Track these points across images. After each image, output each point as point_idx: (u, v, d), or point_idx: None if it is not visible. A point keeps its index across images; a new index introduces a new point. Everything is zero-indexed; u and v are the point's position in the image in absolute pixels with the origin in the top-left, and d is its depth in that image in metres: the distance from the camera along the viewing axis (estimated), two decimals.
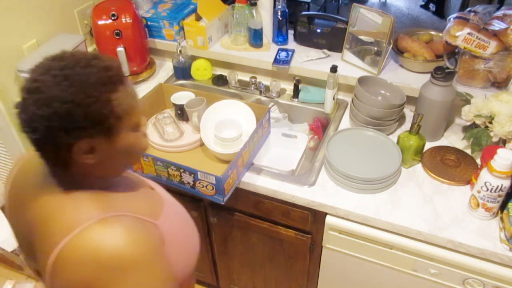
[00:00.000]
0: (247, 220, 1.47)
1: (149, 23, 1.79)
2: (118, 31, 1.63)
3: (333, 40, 1.65)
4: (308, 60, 1.64)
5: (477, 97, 1.34)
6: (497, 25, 1.40)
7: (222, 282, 1.85)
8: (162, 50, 1.86)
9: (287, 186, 1.30)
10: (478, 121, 1.31)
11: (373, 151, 1.34)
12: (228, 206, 1.41)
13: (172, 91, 1.56)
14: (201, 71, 1.76)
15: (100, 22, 1.62)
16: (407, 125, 1.49)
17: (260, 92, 1.69)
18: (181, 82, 1.78)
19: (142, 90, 1.71)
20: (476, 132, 1.31)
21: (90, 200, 0.73)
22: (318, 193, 1.27)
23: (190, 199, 1.51)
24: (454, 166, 1.31)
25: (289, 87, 1.69)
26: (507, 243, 1.09)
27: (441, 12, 4.64)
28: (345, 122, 1.54)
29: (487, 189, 1.10)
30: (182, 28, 1.75)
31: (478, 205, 1.15)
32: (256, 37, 1.70)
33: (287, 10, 1.67)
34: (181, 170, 1.24)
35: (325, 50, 1.68)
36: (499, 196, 1.11)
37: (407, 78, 1.54)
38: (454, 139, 1.43)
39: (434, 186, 1.28)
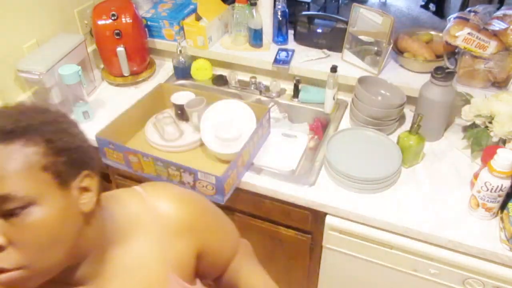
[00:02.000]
0: (247, 220, 1.47)
1: (149, 23, 1.79)
2: (118, 31, 1.63)
3: (333, 40, 1.65)
4: (308, 60, 1.64)
5: (477, 97, 1.33)
6: (497, 25, 1.40)
7: None
8: (162, 50, 1.86)
9: (287, 186, 1.30)
10: (478, 121, 1.31)
11: (373, 151, 1.34)
12: (228, 206, 1.41)
13: (172, 91, 1.56)
14: (201, 71, 1.76)
15: (100, 22, 1.62)
16: (407, 125, 1.49)
17: (260, 92, 1.69)
18: (181, 82, 1.78)
19: (142, 90, 1.71)
20: (476, 132, 1.31)
21: None
22: (318, 193, 1.27)
23: None
24: None
25: (289, 87, 1.69)
26: (507, 243, 1.09)
27: (441, 12, 4.64)
28: (345, 122, 1.54)
29: (487, 189, 1.10)
30: (182, 28, 1.75)
31: (478, 205, 1.15)
32: (256, 37, 1.70)
33: (287, 10, 1.67)
34: (181, 170, 1.24)
35: (325, 50, 1.67)
36: (499, 196, 1.11)
37: (407, 78, 1.54)
38: (454, 139, 1.43)
39: (434, 186, 1.28)
